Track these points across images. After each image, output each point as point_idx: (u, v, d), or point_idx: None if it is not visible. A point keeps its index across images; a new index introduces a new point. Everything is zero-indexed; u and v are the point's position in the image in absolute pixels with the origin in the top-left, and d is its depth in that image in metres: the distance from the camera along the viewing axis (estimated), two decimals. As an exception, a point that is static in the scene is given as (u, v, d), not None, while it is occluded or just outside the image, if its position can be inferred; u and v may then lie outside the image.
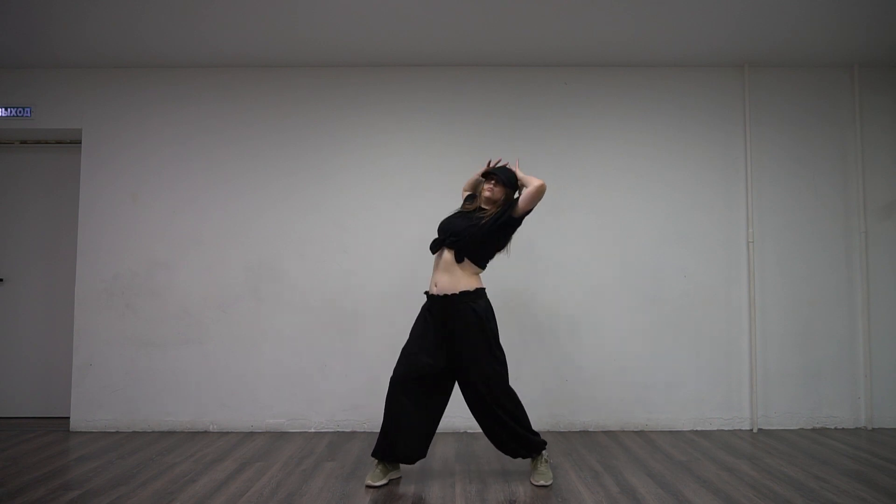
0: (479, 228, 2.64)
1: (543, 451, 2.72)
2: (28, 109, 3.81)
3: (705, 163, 3.80)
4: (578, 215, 3.77)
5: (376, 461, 2.69)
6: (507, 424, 2.63)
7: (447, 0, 3.06)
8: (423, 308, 2.75)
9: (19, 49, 3.57)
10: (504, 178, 2.72)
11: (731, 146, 3.81)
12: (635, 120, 3.82)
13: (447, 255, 2.68)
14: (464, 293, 2.63)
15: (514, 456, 2.71)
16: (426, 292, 2.76)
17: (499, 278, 3.70)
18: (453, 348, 2.63)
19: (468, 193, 2.97)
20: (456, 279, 2.65)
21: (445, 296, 2.63)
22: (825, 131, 3.82)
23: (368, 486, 2.61)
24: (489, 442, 2.80)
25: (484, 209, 2.75)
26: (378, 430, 3.51)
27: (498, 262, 3.71)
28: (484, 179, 2.80)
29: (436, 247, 2.74)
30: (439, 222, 2.79)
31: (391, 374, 2.72)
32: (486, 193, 2.74)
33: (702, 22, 3.28)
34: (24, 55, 3.65)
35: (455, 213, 2.83)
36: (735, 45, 3.56)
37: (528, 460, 2.82)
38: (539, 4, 3.09)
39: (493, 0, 3.06)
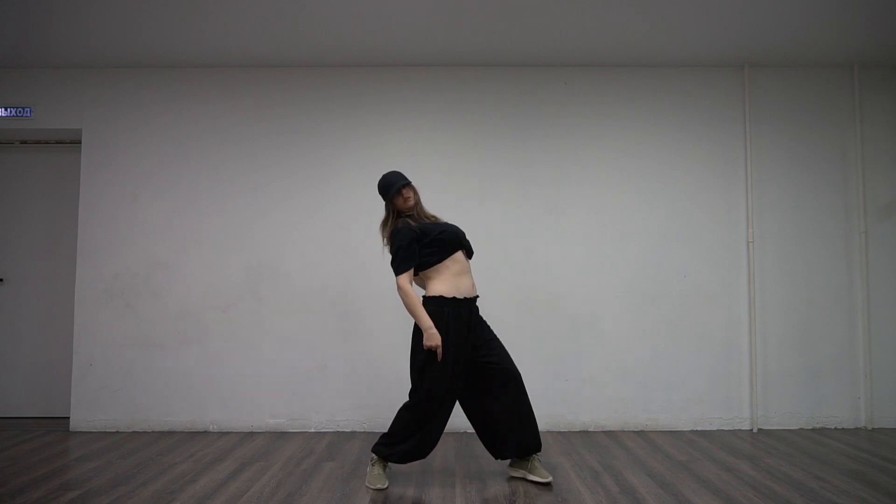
0: None
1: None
2: (28, 109, 3.81)
3: (705, 163, 3.80)
4: (578, 215, 3.77)
5: (380, 463, 2.67)
6: (526, 404, 2.67)
7: (447, 0, 3.06)
8: (454, 317, 2.58)
9: (19, 49, 3.57)
10: (405, 179, 2.75)
11: (731, 146, 3.81)
12: (635, 120, 3.82)
13: (463, 259, 2.69)
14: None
15: (518, 453, 2.69)
16: (462, 297, 2.61)
17: (499, 279, 3.71)
18: (479, 343, 2.66)
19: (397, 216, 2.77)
20: (473, 281, 2.75)
21: (475, 297, 2.72)
22: (825, 131, 3.82)
23: (378, 490, 2.60)
24: None
25: (418, 215, 2.74)
26: (377, 430, 3.54)
27: (498, 263, 3.73)
28: (396, 193, 2.71)
29: (449, 252, 2.65)
30: (416, 233, 2.63)
31: (419, 397, 2.60)
32: (410, 203, 2.74)
33: (702, 22, 3.28)
34: (24, 55, 3.65)
35: (415, 226, 2.66)
36: (735, 45, 3.56)
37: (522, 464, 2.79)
38: (539, 4, 3.09)
39: (493, 0, 3.06)
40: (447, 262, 2.65)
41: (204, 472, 2.86)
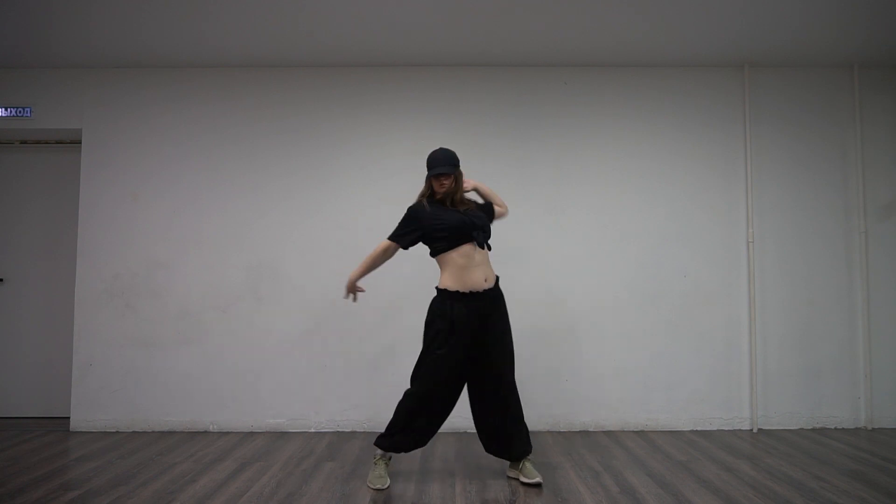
0: (489, 220, 2.80)
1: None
2: (28, 109, 3.81)
3: (705, 163, 3.80)
4: (578, 215, 3.77)
5: (383, 461, 2.68)
6: (517, 411, 2.69)
7: (447, 0, 3.06)
8: (459, 313, 2.59)
9: (19, 49, 3.56)
10: (449, 167, 2.69)
11: (731, 146, 3.81)
12: (635, 120, 3.82)
13: (475, 249, 2.64)
14: (497, 280, 2.76)
15: (510, 455, 2.70)
16: (468, 291, 2.60)
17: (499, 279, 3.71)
18: (486, 341, 2.65)
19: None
20: (491, 270, 2.72)
21: (491, 288, 2.69)
22: (825, 131, 3.82)
23: (378, 490, 2.60)
24: None
25: (452, 201, 2.72)
26: (378, 430, 3.53)
27: (498, 263, 3.71)
28: (434, 177, 2.70)
29: (453, 244, 2.63)
30: (424, 216, 2.66)
31: (417, 384, 2.65)
32: (443, 189, 2.70)
33: (702, 22, 3.27)
34: (24, 55, 3.65)
35: (431, 210, 2.68)
36: (735, 45, 3.56)
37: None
38: (539, 4, 3.09)
39: (493, 0, 3.06)
40: (452, 254, 2.64)
41: (204, 472, 2.86)
